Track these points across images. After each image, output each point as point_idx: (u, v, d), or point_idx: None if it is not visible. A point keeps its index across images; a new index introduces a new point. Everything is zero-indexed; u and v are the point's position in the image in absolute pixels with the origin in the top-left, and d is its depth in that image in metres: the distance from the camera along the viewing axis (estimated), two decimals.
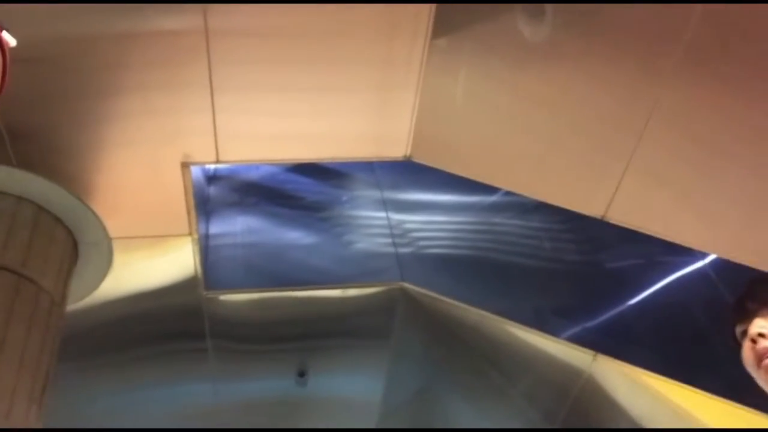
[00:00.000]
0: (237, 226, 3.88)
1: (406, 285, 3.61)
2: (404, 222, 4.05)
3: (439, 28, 2.63)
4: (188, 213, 3.03)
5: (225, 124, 2.76)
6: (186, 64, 2.56)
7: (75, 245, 2.83)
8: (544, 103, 2.69)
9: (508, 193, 3.99)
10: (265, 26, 2.52)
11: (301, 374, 4.02)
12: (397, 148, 3.01)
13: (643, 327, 3.55)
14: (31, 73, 2.44)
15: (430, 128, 2.92)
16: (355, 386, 4.27)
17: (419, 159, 3.05)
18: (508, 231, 4.04)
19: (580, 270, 3.89)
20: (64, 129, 2.66)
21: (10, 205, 2.59)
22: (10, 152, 2.67)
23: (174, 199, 2.96)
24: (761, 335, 1.53)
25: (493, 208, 4.15)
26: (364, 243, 3.89)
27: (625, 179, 2.71)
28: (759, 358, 1.53)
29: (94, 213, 2.77)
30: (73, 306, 3.09)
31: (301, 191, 4.22)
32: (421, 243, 3.92)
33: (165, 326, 3.60)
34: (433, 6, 2.56)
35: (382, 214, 4.09)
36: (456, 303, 3.53)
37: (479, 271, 3.79)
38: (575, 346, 3.38)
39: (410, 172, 4.09)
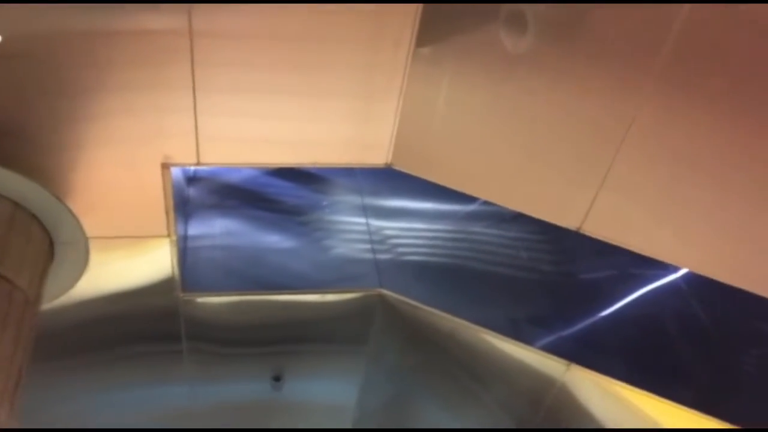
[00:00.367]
0: (216, 229, 3.87)
1: (384, 291, 3.62)
2: (383, 228, 4.07)
3: (424, 37, 2.65)
4: (167, 214, 3.01)
5: (206, 125, 2.76)
6: (169, 64, 2.54)
7: (51, 244, 2.81)
8: (525, 113, 2.73)
9: (486, 203, 4.03)
10: (249, 29, 2.52)
11: (277, 378, 4.01)
12: (378, 155, 3.03)
13: (616, 338, 3.60)
14: (10, 69, 2.42)
15: (411, 136, 2.94)
16: (330, 391, 4.27)
17: (400, 166, 3.07)
18: (486, 240, 4.08)
19: (556, 280, 3.94)
20: (43, 126, 2.63)
21: None
22: None
23: (153, 199, 2.94)
24: None
25: (472, 217, 4.19)
26: (343, 248, 3.90)
27: (601, 192, 2.75)
28: None
29: (71, 212, 2.75)
30: (48, 305, 3.06)
31: (281, 195, 4.21)
32: (400, 250, 3.94)
33: (141, 327, 3.57)
34: (419, 13, 2.58)
35: (362, 220, 4.11)
36: (432, 310, 3.55)
37: (456, 278, 3.81)
38: (549, 355, 3.41)
39: (391, 178, 4.09)
